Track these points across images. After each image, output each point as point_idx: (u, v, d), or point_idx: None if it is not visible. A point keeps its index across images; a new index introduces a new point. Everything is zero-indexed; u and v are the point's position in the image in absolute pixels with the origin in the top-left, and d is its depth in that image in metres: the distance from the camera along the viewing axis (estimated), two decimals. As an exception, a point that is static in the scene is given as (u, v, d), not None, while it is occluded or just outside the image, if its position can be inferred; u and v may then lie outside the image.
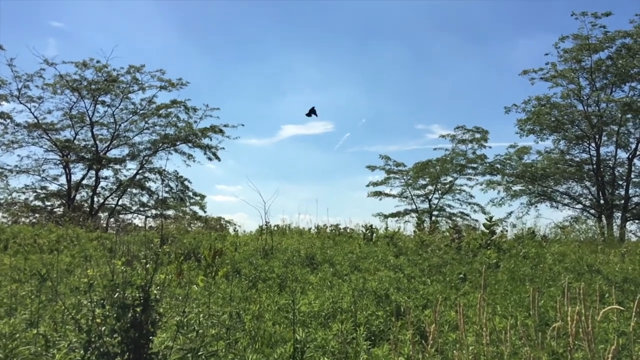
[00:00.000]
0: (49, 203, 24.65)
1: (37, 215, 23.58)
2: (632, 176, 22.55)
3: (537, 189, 24.89)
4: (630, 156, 22.60)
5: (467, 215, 28.30)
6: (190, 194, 25.59)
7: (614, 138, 22.79)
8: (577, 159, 24.26)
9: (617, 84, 22.70)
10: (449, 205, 29.04)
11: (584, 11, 22.14)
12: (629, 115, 22.45)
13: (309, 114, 11.28)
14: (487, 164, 26.80)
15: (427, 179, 29.10)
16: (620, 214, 22.19)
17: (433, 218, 27.52)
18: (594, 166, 22.90)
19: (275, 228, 13.01)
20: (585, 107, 23.16)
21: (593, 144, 23.15)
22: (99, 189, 24.90)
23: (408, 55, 53.33)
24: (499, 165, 26.27)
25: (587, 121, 22.85)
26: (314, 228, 13.47)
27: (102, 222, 23.89)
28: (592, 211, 23.52)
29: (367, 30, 55.45)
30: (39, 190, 24.33)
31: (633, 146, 22.68)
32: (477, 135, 27.86)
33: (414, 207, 29.25)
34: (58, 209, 24.48)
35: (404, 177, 29.49)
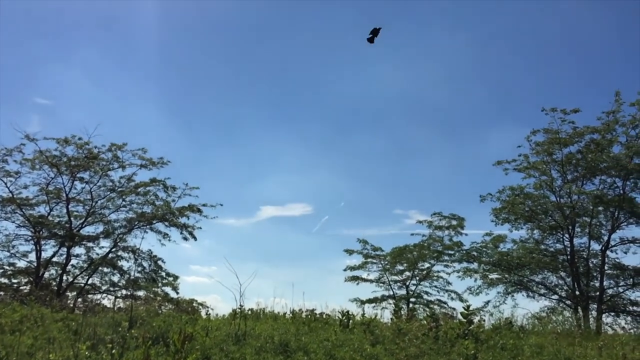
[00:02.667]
0: (15, 280, 23.80)
1: (1, 293, 22.67)
2: (606, 268, 22.76)
3: (513, 278, 24.89)
4: (603, 248, 22.93)
5: (445, 303, 28.00)
6: (163, 274, 24.98)
7: (587, 229, 23.19)
8: (552, 249, 24.52)
9: (588, 177, 23.40)
10: (427, 292, 28.76)
11: (553, 107, 23.26)
12: (600, 208, 22.99)
13: (371, 39, 9.24)
14: (464, 251, 26.92)
15: (405, 265, 28.95)
16: (596, 306, 22.17)
17: (410, 305, 27.14)
18: (568, 257, 23.13)
19: (250, 312, 12.70)
20: (558, 199, 23.73)
21: (567, 235, 23.50)
22: (69, 267, 24.17)
23: (386, 142, 54.82)
24: (475, 253, 26.38)
25: (560, 212, 23.33)
26: (289, 313, 13.16)
27: (69, 302, 22.98)
28: (568, 302, 23.47)
29: (346, 118, 57.17)
30: (6, 267, 23.57)
31: (605, 238, 23.06)
32: (454, 222, 28.15)
33: (391, 293, 28.87)
34: (25, 287, 23.61)
35: (382, 262, 29.32)
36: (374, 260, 29.37)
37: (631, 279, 22.84)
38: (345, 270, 29.43)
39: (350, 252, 29.44)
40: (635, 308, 22.60)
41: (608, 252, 23.00)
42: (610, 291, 23.04)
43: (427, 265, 28.76)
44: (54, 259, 24.06)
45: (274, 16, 60.07)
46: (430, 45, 56.90)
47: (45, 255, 23.93)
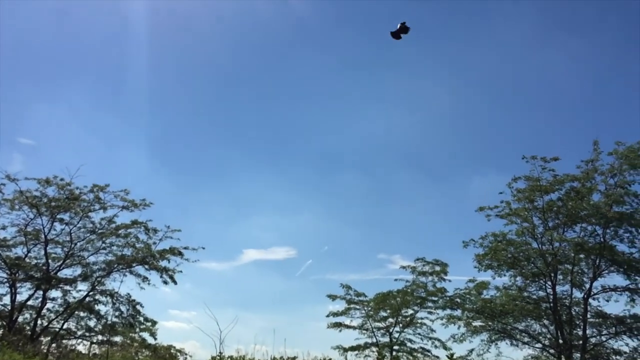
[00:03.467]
0: (-13, 324, 23.09)
1: (-28, 337, 21.93)
2: (589, 316, 22.67)
3: (496, 326, 24.68)
4: (585, 296, 22.91)
5: (428, 351, 27.64)
6: (141, 319, 24.34)
7: (569, 277, 23.21)
8: (535, 297, 24.43)
9: (569, 224, 23.58)
10: (410, 340, 28.36)
11: (533, 155, 23.64)
12: (581, 255, 23.10)
13: (396, 34, 8.14)
14: (447, 298, 26.75)
15: (388, 311, 28.64)
16: (579, 355, 21.97)
17: (394, 353, 26.72)
18: (551, 305, 23.04)
19: (229, 359, 12.38)
20: (540, 245, 23.80)
21: (549, 282, 23.47)
22: (44, 311, 23.52)
23: (371, 186, 55.10)
24: (458, 300, 26.22)
25: (542, 259, 23.37)
26: (268, 361, 12.84)
27: (43, 347, 22.31)
28: (552, 351, 23.25)
29: (331, 160, 57.57)
30: (-22, 311, 22.90)
31: (587, 286, 23.08)
32: (437, 268, 28.06)
33: (374, 340, 28.43)
34: (-4, 331, 22.88)
35: (365, 308, 28.99)
36: (357, 306, 29.04)
37: (613, 328, 22.74)
38: (328, 316, 29.06)
39: (333, 297, 29.12)
40: (618, 357, 22.43)
41: (590, 300, 22.99)
42: (593, 340, 22.89)
43: (410, 311, 28.50)
44: (29, 303, 23.44)
45: (259, 59, 61.18)
46: (412, 90, 58.18)
47: (20, 298, 23.31)
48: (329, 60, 58.90)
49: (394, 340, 28.14)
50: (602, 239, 22.71)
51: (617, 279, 22.98)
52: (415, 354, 27.25)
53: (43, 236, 24.02)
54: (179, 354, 22.46)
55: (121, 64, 57.62)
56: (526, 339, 24.46)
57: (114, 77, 57.78)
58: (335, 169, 57.72)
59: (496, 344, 24.53)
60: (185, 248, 24.98)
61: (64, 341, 23.87)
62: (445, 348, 26.17)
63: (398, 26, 8.02)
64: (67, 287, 24.06)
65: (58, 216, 24.22)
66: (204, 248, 25.38)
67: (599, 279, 22.98)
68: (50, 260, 24.02)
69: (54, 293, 24.00)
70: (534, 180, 23.58)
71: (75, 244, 24.59)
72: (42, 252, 24.05)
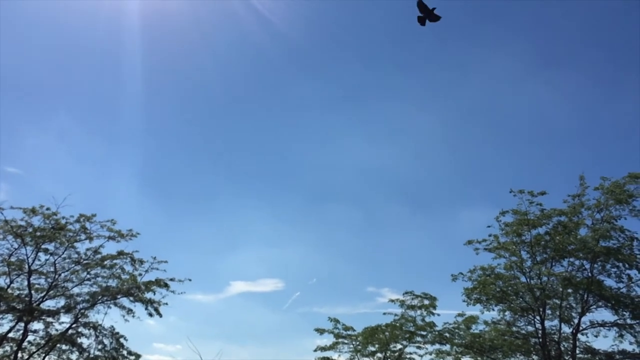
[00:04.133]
0: (-35, 357, 22.51)
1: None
2: (577, 352, 22.52)
3: (486, 361, 24.45)
4: (574, 331, 22.77)
5: (418, 386, 27.18)
6: (125, 352, 23.86)
7: (557, 312, 23.13)
8: (524, 332, 24.29)
9: (557, 259, 23.60)
10: (399, 376, 27.93)
11: (521, 189, 23.84)
12: (569, 290, 23.06)
13: (422, 20, 7.66)
14: (436, 332, 26.50)
15: (377, 346, 28.26)
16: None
17: (382, 388, 26.27)
18: (540, 340, 22.88)
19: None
20: (528, 280, 23.76)
21: (538, 317, 23.36)
22: (25, 344, 23.02)
23: (359, 218, 54.99)
24: (447, 334, 26.01)
25: (530, 294, 23.31)
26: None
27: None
28: (541, 387, 22.99)
29: (321, 192, 57.55)
30: (-42, 343, 22.34)
31: (576, 321, 22.94)
32: (426, 302, 27.85)
33: (362, 375, 27.98)
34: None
35: (353, 343, 28.59)
36: (345, 341, 28.65)
37: (603, 364, 22.59)
38: (315, 350, 28.60)
39: (321, 331, 28.72)
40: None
41: (579, 336, 22.84)
42: (583, 376, 22.70)
43: (399, 346, 28.13)
44: (10, 335, 22.92)
45: (249, 88, 61.72)
46: (402, 121, 58.80)
47: (0, 330, 22.84)
48: (320, 91, 59.62)
49: (383, 375, 27.71)
50: (589, 274, 22.71)
51: (605, 314, 22.98)
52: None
53: (27, 266, 23.66)
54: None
55: (112, 92, 57.92)
56: (516, 376, 24.21)
57: (105, 106, 58.02)
58: (325, 200, 57.78)
59: (486, 379, 24.27)
60: (171, 280, 24.77)
61: (44, 375, 23.28)
62: (435, 383, 25.81)
63: (425, 14, 7.70)
64: (50, 319, 23.62)
65: (43, 246, 23.91)
66: (190, 280, 25.15)
67: (587, 314, 22.91)
68: (33, 291, 23.61)
69: (36, 325, 23.56)
70: (522, 214, 23.69)
71: (60, 274, 24.24)
72: (25, 283, 23.67)
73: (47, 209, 24.06)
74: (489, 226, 24.92)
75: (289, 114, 60.36)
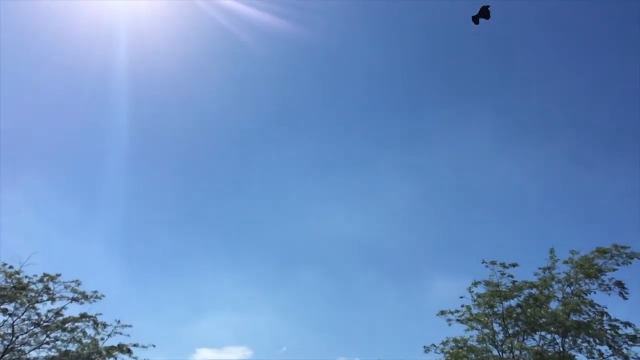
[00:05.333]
0: None
1: None
2: None
3: None
4: (547, 407, 22.35)
5: None
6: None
7: (530, 387, 22.76)
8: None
9: (528, 332, 23.46)
10: None
11: (493, 260, 24.04)
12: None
13: (477, 19, 7.50)
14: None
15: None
16: None
17: None
18: (513, 416, 22.37)
19: None
20: (501, 353, 23.46)
21: (510, 392, 22.94)
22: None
23: (332, 285, 54.46)
24: (419, 409, 25.28)
25: (502, 368, 22.99)
26: None
27: None
28: None
29: (293, 257, 57.06)
30: None
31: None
32: (398, 374, 27.24)
33: None
34: None
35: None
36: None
37: None
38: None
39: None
40: None
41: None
42: None
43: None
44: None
45: (225, 150, 62.03)
46: (377, 191, 59.41)
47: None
48: (297, 157, 60.27)
49: None
50: (561, 348, 22.58)
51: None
52: None
53: (-18, 328, 22.59)
54: None
55: (83, 151, 57.60)
56: None
57: (74, 165, 57.48)
58: (297, 265, 57.18)
59: None
60: (134, 345, 23.92)
61: None
62: None
63: (479, 13, 7.60)
64: (2, 385, 22.33)
65: (2, 306, 22.94)
66: (154, 346, 24.33)
67: (560, 390, 22.59)
68: (-14, 355, 22.43)
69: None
70: (494, 286, 23.75)
71: (17, 337, 23.15)
72: (-21, 345, 22.51)
73: (10, 267, 23.29)
74: (461, 297, 24.86)
75: (264, 177, 60.72)
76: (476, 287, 24.46)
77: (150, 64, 50.09)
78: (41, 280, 23.55)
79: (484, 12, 7.72)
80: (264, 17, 40.52)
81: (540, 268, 24.17)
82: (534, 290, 23.63)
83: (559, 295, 23.47)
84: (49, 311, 23.75)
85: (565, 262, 23.53)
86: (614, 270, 22.55)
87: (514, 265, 23.99)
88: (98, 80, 51.43)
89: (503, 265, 23.86)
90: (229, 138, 61.31)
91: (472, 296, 24.52)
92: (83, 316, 23.78)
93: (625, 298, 22.22)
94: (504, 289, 23.59)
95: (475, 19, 7.71)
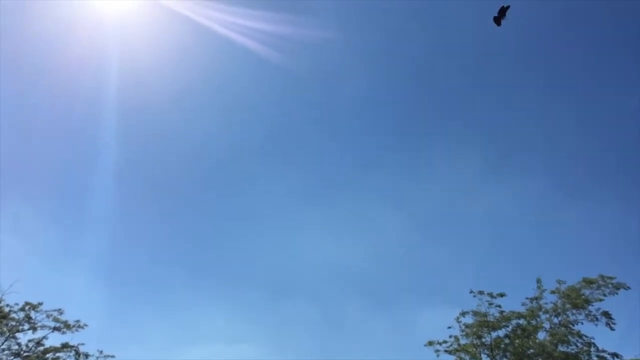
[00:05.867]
0: None
1: None
2: None
3: None
4: None
5: None
6: None
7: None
8: None
9: (517, 363, 23.32)
10: None
11: (480, 290, 24.01)
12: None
13: (498, 19, 7.54)
14: None
15: None
16: None
17: None
18: None
19: None
20: (489, 384, 23.28)
21: None
22: None
23: (319, 315, 53.85)
24: None
25: (491, 399, 22.75)
26: None
27: None
28: None
29: (280, 287, 56.48)
30: None
31: None
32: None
33: None
34: None
35: None
36: None
37: None
38: None
39: None
40: None
41: None
42: None
43: None
44: None
45: (212, 177, 61.85)
46: (363, 220, 59.40)
47: None
48: (281, 185, 60.26)
49: None
50: (549, 380, 22.43)
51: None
52: None
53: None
54: None
55: (69, 178, 57.19)
56: None
57: (60, 192, 56.94)
58: (285, 296, 56.56)
59: None
60: (117, 376, 23.37)
61: None
62: None
63: (498, 13, 7.65)
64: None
65: (-19, 336, 22.46)
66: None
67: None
68: (-37, 386, 21.85)
69: None
70: (482, 316, 23.64)
71: (-4, 367, 22.60)
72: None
73: (-8, 295, 22.87)
74: (449, 327, 24.70)
75: (252, 205, 60.50)
76: (464, 317, 24.33)
77: (139, 88, 50.20)
78: (23, 309, 23.15)
79: (504, 13, 7.81)
80: (253, 43, 40.96)
81: (527, 298, 24.17)
82: (521, 321, 23.55)
83: (547, 325, 23.43)
84: (29, 341, 23.31)
85: (553, 292, 23.57)
86: (601, 300, 22.61)
87: (502, 295, 23.96)
88: (86, 106, 51.38)
89: (491, 295, 23.82)
90: (217, 165, 61.19)
91: (460, 326, 24.37)
92: (65, 346, 23.31)
93: (612, 329, 22.24)
94: (491, 319, 23.50)
95: (497, 20, 7.84)
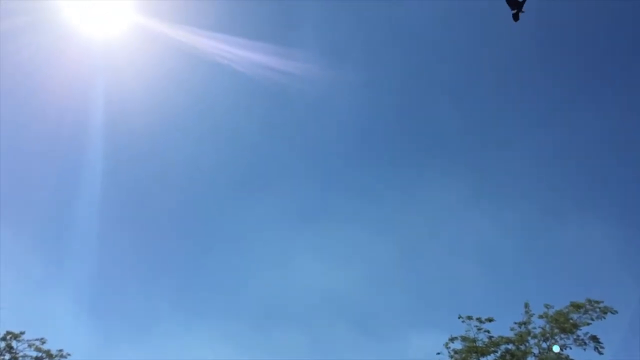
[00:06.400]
0: None
1: None
2: None
3: None
4: None
5: None
6: None
7: None
8: None
9: (507, 391, 23.19)
10: None
11: (469, 315, 23.98)
12: None
13: (516, 15, 7.54)
14: None
15: None
16: None
17: None
18: None
19: None
20: (479, 411, 23.06)
21: None
22: None
23: (307, 341, 53.21)
24: None
25: None
26: None
27: None
28: None
29: (268, 312, 55.84)
30: None
31: None
32: None
33: None
34: None
35: None
36: None
37: None
38: None
39: None
40: None
41: None
42: None
43: None
44: None
45: (199, 204, 61.49)
46: (353, 245, 59.28)
47: None
48: (268, 211, 60.03)
49: None
50: (539, 406, 22.30)
51: None
52: None
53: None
54: None
55: (53, 204, 56.53)
56: None
57: (44, 218, 56.21)
58: (274, 324, 55.90)
59: None
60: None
61: None
62: None
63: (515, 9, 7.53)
64: None
65: (-40, 366, 21.90)
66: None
67: None
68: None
69: None
70: (470, 341, 23.55)
71: (-26, 399, 22.00)
72: None
73: (-29, 324, 22.39)
74: (438, 353, 24.51)
75: (240, 231, 60.12)
76: (453, 342, 24.18)
77: (125, 112, 50.05)
78: (4, 339, 22.67)
79: (519, 5, 7.68)
80: (241, 70, 41.24)
81: (516, 323, 24.09)
82: (510, 346, 23.48)
83: (536, 350, 23.32)
84: (10, 371, 22.73)
85: (541, 317, 23.55)
86: (589, 324, 22.64)
87: (490, 320, 23.93)
88: (71, 130, 51.16)
89: (479, 320, 23.78)
90: (203, 192, 60.97)
91: (449, 352, 24.19)
92: (47, 376, 22.78)
93: (600, 353, 22.20)
94: (480, 345, 23.41)
95: (515, 16, 7.70)
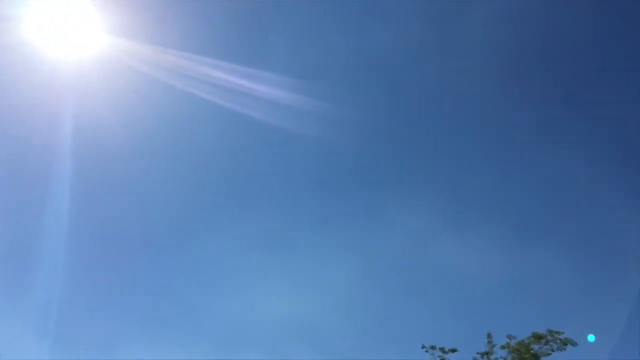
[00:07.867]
0: None
1: None
2: None
3: None
4: None
5: None
6: None
7: None
8: None
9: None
10: None
11: (433, 345, 23.74)
12: None
13: None
14: None
15: None
16: None
17: None
18: None
19: None
20: None
21: None
22: None
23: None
24: None
25: None
26: None
27: None
28: None
29: (231, 337, 54.82)
30: None
31: None
32: None
33: None
34: None
35: None
36: None
37: None
38: None
39: None
40: None
41: None
42: None
43: None
44: None
45: (164, 229, 60.50)
46: (321, 271, 58.92)
47: None
48: (235, 236, 59.35)
49: None
50: None
51: None
52: None
53: None
54: None
55: (16, 228, 55.03)
56: None
57: (6, 238, 54.60)
58: (238, 349, 54.97)
59: None
60: None
61: None
62: None
63: None
64: None
65: None
66: None
67: None
68: None
69: None
70: (434, 372, 23.40)
71: None
72: None
73: None
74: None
75: (202, 259, 59.28)
76: (419, 373, 24.02)
77: (94, 138, 49.12)
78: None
79: None
80: (211, 89, 41.00)
81: (478, 353, 23.96)
82: (474, 376, 23.38)
83: (499, 382, 23.27)
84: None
85: (503, 347, 23.47)
86: (549, 355, 22.65)
87: (454, 350, 23.73)
88: (39, 156, 50.13)
89: (443, 350, 23.54)
90: (168, 217, 60.13)
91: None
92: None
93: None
94: (444, 375, 23.25)
95: None
